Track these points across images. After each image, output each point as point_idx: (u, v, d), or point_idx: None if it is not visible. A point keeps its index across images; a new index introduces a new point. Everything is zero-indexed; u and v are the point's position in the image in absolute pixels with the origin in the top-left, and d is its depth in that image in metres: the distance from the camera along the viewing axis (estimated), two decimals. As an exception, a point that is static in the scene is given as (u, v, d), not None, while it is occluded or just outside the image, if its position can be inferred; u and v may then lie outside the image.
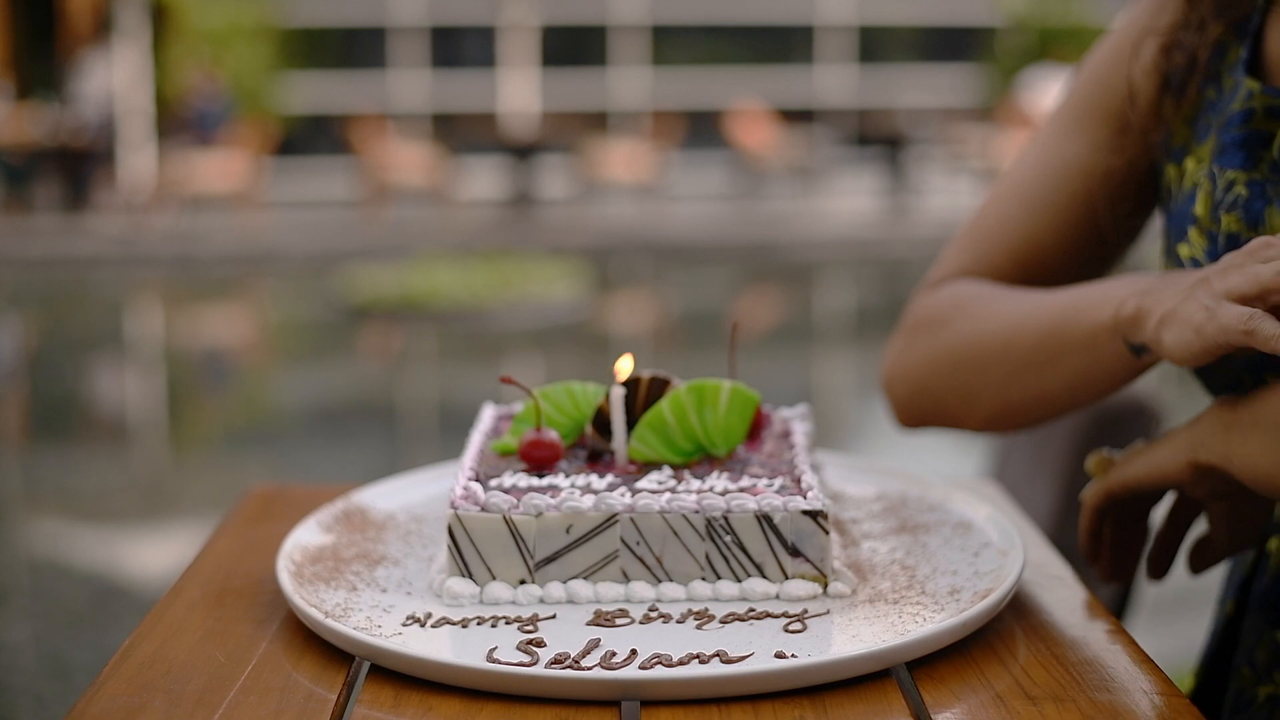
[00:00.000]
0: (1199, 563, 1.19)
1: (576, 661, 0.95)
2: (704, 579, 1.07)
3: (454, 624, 1.03)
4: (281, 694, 0.95)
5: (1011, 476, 1.87)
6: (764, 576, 1.07)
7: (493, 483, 1.13)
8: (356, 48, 16.85)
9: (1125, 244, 1.34)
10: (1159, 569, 1.20)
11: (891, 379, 1.36)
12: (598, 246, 11.69)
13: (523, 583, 1.08)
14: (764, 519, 1.07)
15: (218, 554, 1.23)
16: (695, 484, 1.12)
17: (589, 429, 1.23)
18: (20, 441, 5.97)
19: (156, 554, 4.60)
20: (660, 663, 0.94)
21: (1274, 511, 1.20)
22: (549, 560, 1.07)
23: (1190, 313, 1.01)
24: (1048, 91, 13.25)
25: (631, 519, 1.07)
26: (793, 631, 1.00)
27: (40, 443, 6.13)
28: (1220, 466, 1.05)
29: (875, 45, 17.23)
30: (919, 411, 1.34)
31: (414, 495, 1.32)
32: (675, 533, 1.07)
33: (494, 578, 1.08)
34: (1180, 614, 3.39)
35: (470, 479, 1.14)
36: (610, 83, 16.98)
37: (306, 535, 1.19)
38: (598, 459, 1.21)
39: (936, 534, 1.19)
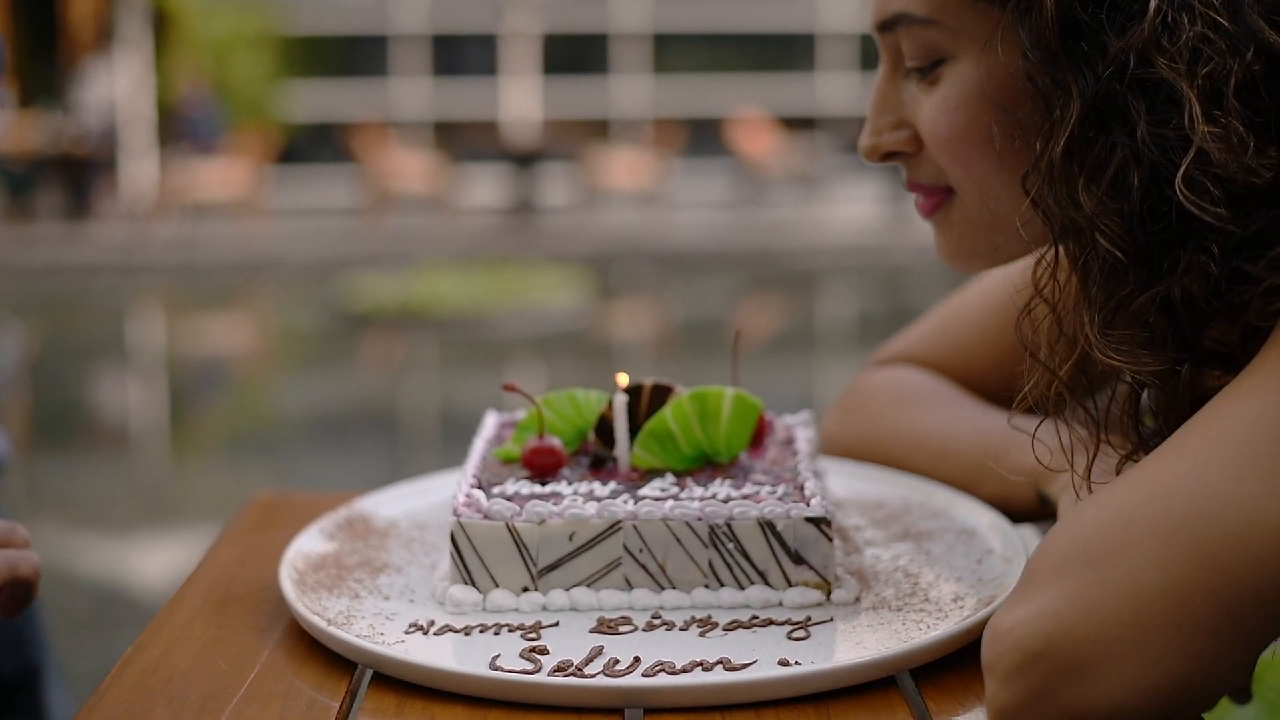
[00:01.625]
0: None
1: (579, 669, 0.94)
2: (707, 586, 1.07)
3: (457, 632, 1.02)
4: (284, 702, 0.95)
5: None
6: (767, 584, 1.07)
7: (495, 490, 1.13)
8: (358, 55, 16.86)
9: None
10: None
11: (830, 448, 1.41)
12: (599, 254, 11.69)
13: (525, 590, 1.07)
14: (767, 526, 1.07)
15: (220, 562, 1.23)
16: (698, 491, 1.12)
17: (592, 436, 1.23)
18: (22, 449, 5.97)
19: (159, 562, 4.60)
20: (663, 670, 0.94)
21: None
22: (552, 568, 1.07)
23: (1073, 495, 1.04)
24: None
25: (634, 526, 1.07)
26: (796, 639, 1.00)
27: (42, 451, 6.13)
28: None
29: (877, 52, 17.23)
30: None
31: (416, 502, 1.31)
32: (678, 540, 1.07)
33: (497, 585, 1.07)
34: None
35: (473, 486, 1.14)
36: (612, 90, 16.99)
37: (309, 543, 1.19)
38: (600, 466, 1.21)
39: (939, 541, 1.19)
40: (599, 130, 16.15)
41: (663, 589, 1.07)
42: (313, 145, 16.12)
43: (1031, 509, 1.19)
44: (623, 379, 1.23)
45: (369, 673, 0.99)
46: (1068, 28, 0.90)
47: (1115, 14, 0.89)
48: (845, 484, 1.34)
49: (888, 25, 1.04)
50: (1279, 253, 0.85)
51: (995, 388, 1.32)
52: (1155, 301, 0.89)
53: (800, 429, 1.30)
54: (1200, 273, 0.87)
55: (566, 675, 0.93)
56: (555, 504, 1.09)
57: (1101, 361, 0.92)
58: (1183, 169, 0.85)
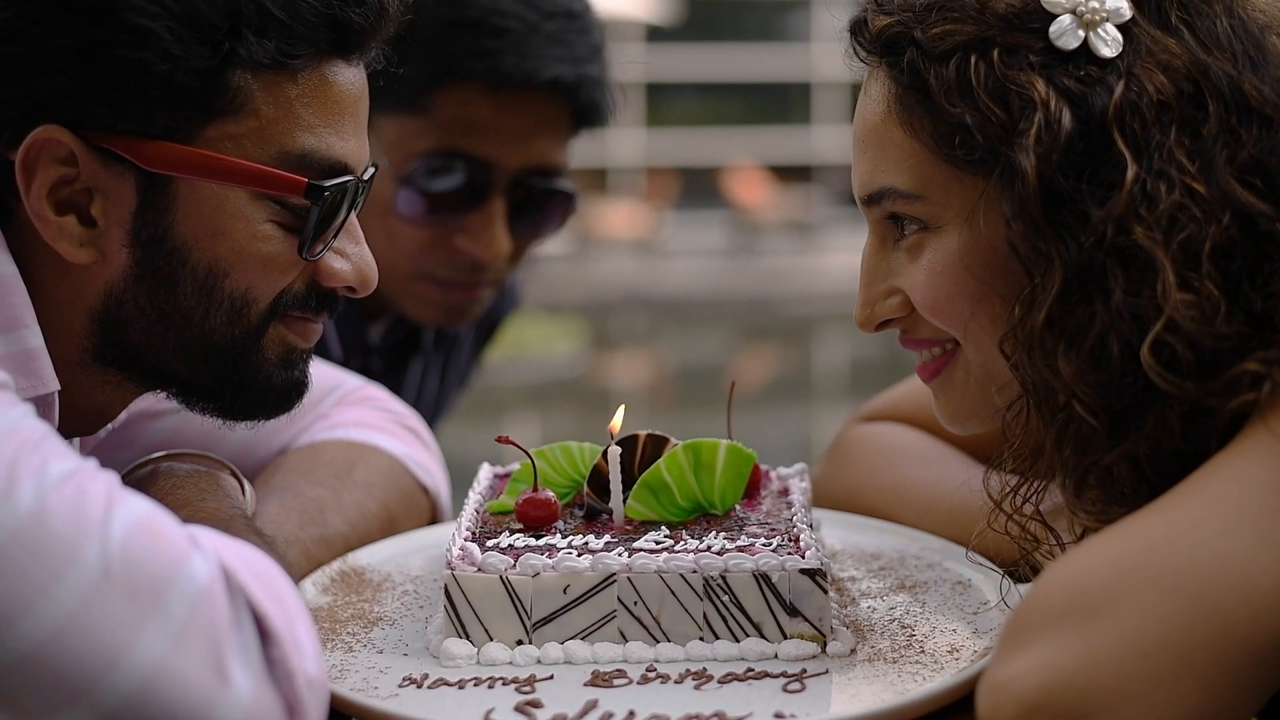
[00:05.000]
0: None
1: (574, 723, 0.94)
2: (702, 639, 1.07)
3: (451, 685, 1.02)
4: (277, 757, 0.94)
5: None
6: (762, 636, 1.07)
7: (490, 543, 1.13)
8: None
9: None
10: None
11: (816, 500, 1.42)
12: (595, 303, 11.71)
13: (520, 643, 1.07)
14: (762, 578, 1.06)
15: (213, 615, 1.22)
16: (693, 543, 1.12)
17: (585, 489, 1.23)
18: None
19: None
20: (658, 724, 0.93)
21: None
22: (546, 620, 1.07)
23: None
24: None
25: (629, 579, 1.07)
26: (791, 691, 1.00)
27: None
28: None
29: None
30: None
31: (411, 556, 1.31)
32: (673, 592, 1.07)
33: (491, 638, 1.07)
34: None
35: (467, 539, 1.13)
36: (607, 141, 17.07)
37: (303, 596, 1.18)
38: (595, 518, 1.21)
39: (935, 592, 1.19)
40: (595, 180, 16.22)
41: (657, 641, 1.07)
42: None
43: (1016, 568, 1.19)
44: (619, 417, 1.24)
45: (362, 727, 0.98)
46: (1050, 198, 0.93)
47: (1096, 184, 0.92)
48: (840, 535, 1.34)
49: (874, 199, 1.07)
50: (1236, 373, 0.87)
51: (977, 445, 1.32)
52: (1123, 459, 0.92)
53: (795, 480, 1.30)
54: (1165, 430, 0.90)
55: (561, 729, 0.93)
56: (549, 556, 1.09)
57: (1077, 523, 0.97)
58: (1150, 337, 0.88)
